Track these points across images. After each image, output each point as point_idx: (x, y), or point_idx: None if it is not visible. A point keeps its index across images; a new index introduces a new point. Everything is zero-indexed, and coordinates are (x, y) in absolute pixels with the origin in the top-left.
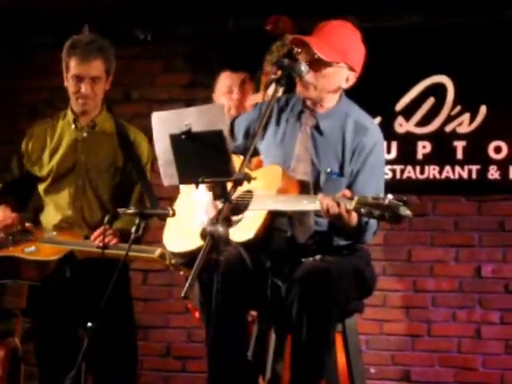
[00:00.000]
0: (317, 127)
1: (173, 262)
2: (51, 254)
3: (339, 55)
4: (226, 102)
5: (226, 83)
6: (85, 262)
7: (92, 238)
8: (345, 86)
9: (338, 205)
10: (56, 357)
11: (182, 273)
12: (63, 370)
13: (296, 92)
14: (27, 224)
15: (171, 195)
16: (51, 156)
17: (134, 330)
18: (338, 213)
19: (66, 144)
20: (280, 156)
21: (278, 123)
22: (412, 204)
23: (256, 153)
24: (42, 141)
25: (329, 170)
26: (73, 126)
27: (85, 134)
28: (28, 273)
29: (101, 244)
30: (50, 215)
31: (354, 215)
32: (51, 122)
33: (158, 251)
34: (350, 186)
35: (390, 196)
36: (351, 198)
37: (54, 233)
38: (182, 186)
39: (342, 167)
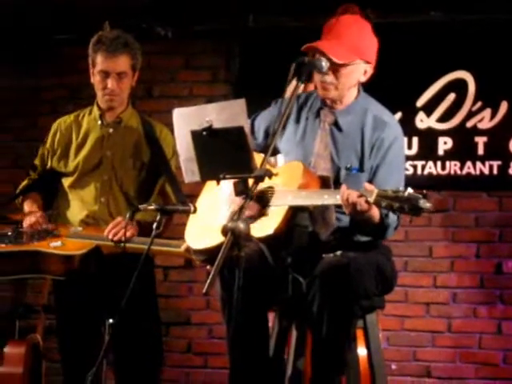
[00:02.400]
0: (336, 124)
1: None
2: (77, 249)
3: (354, 53)
4: None
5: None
6: (111, 257)
7: (105, 232)
8: (363, 79)
9: (359, 196)
10: (80, 352)
11: (208, 267)
12: (87, 366)
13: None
14: (50, 225)
15: (194, 192)
16: (77, 152)
17: (159, 327)
18: (357, 202)
19: (92, 140)
20: (300, 153)
21: (297, 121)
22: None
23: (276, 151)
24: (67, 136)
25: (349, 165)
26: (99, 122)
27: (111, 130)
28: (53, 267)
29: (115, 238)
30: (76, 210)
31: (375, 210)
32: (76, 117)
33: (184, 245)
34: (370, 181)
35: (409, 189)
36: (372, 191)
37: (80, 228)
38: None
39: (361, 163)
